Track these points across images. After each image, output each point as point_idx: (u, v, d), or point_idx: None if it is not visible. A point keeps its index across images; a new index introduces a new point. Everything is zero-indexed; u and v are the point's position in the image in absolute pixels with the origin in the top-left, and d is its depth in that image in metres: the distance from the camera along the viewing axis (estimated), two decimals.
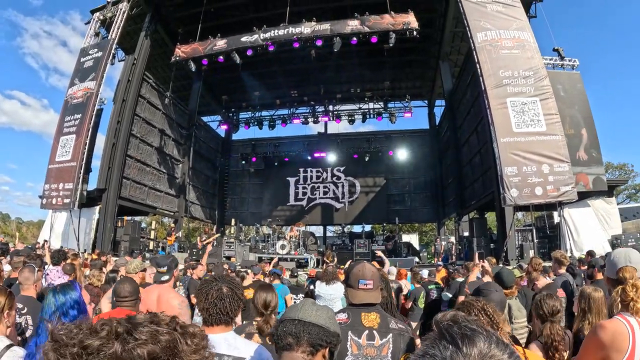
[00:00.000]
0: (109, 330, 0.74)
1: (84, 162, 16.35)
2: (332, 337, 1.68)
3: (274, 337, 1.70)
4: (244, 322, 3.82)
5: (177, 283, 6.81)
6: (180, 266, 9.20)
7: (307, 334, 1.63)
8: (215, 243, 19.38)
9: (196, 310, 6.10)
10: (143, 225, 23.54)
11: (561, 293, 5.08)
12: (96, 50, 18.20)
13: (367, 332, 2.32)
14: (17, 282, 4.07)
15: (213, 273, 6.85)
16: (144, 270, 5.67)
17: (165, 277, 3.91)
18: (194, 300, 6.20)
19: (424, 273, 8.34)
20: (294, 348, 1.62)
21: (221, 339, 2.20)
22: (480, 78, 13.60)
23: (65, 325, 0.75)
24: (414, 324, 6.66)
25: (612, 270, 2.43)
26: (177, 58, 18.05)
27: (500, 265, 9.62)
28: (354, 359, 2.28)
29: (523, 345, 3.03)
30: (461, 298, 5.91)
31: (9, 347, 2.29)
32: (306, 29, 16.51)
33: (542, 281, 5.51)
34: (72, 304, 2.61)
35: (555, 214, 14.94)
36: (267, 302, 3.44)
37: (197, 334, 0.84)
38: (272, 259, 16.23)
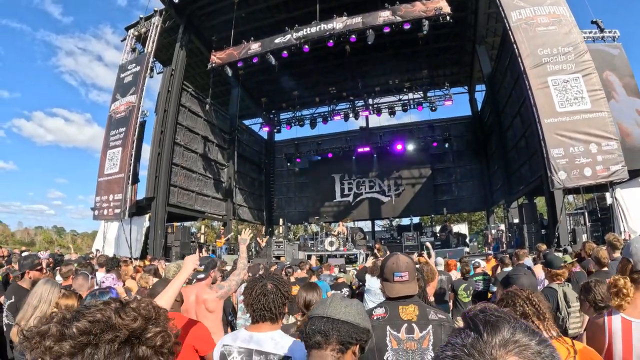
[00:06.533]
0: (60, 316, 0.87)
1: (131, 172, 16.96)
2: (362, 333, 1.62)
3: (302, 334, 1.66)
4: (289, 323, 3.87)
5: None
6: (228, 268, 9.40)
7: (337, 332, 1.57)
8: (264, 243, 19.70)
9: (239, 313, 6.21)
10: (193, 230, 24.11)
11: None
12: (134, 65, 18.83)
13: (406, 325, 2.24)
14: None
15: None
16: None
17: (201, 275, 4.11)
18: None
19: (480, 263, 8.13)
20: (323, 346, 1.57)
21: (267, 338, 2.23)
22: (519, 58, 13.10)
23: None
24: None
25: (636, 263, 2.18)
26: (213, 65, 18.41)
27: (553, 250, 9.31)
28: (394, 354, 2.20)
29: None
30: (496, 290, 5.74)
31: None
32: (338, 24, 16.47)
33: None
34: None
35: (607, 195, 14.28)
36: (307, 301, 3.47)
37: (136, 306, 0.92)
38: (321, 256, 16.40)
